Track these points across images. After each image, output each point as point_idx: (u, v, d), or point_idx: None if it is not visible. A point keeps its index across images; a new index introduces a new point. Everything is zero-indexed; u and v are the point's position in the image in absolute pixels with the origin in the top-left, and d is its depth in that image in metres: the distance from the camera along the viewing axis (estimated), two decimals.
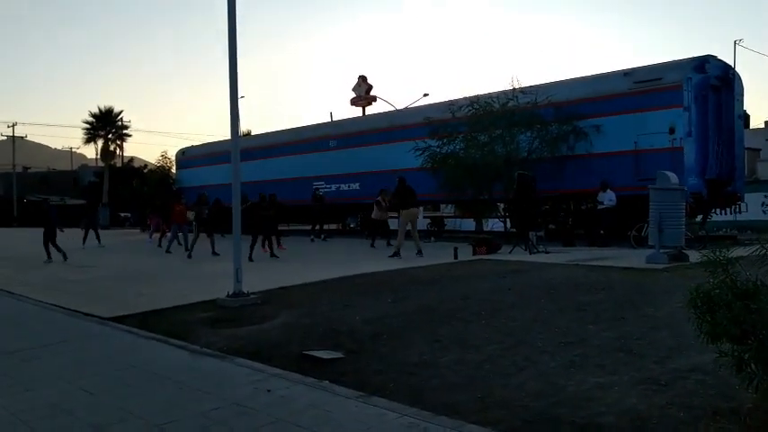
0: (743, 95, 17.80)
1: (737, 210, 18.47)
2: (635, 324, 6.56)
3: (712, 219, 18.71)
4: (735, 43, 23.98)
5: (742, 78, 17.90)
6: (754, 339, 3.38)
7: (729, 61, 18.51)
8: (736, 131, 17.32)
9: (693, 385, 4.54)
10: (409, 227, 15.77)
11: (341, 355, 6.07)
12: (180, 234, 19.27)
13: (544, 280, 9.58)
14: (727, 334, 3.48)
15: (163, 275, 13.33)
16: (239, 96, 9.85)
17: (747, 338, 3.42)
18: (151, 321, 8.10)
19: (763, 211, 25.61)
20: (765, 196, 25.89)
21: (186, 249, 17.47)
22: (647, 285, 8.73)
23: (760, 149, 32.87)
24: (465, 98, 20.10)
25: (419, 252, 14.72)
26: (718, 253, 3.72)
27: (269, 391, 4.97)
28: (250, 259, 14.61)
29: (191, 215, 19.46)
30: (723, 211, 18.20)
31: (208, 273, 13.06)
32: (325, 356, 6.01)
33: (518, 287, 9.09)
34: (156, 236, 23.44)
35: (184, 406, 4.73)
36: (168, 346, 6.84)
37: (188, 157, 35.50)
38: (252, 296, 9.10)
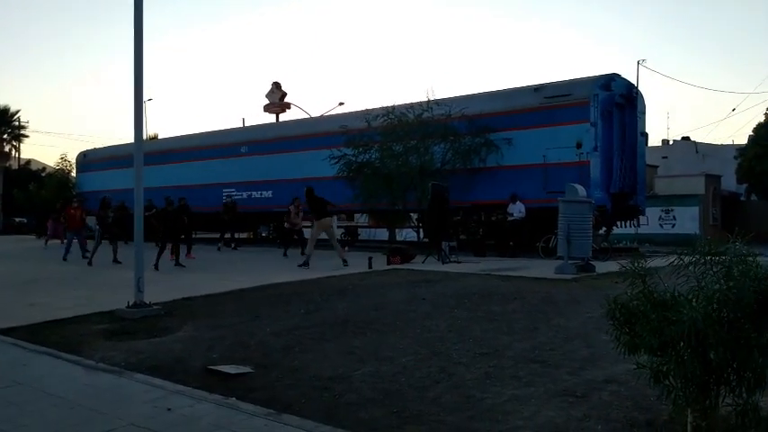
0: (645, 113, 18.60)
1: (638, 223, 19.24)
2: (548, 334, 6.59)
3: (613, 231, 19.43)
4: (638, 63, 25.02)
5: (644, 97, 18.72)
6: (672, 352, 3.35)
7: (633, 80, 19.36)
8: (638, 147, 18.06)
9: (609, 397, 4.54)
10: (325, 236, 15.42)
11: (249, 370, 5.75)
12: (75, 240, 18.14)
13: (457, 289, 9.58)
14: (646, 345, 3.44)
15: (58, 284, 12.47)
16: (145, 99, 9.36)
17: (666, 350, 3.39)
18: (42, 333, 7.48)
19: (661, 225, 26.98)
20: (662, 210, 27.29)
21: (84, 256, 16.52)
22: (557, 295, 8.86)
23: (657, 166, 34.61)
24: (381, 108, 20.08)
25: (344, 262, 14.33)
26: (636, 264, 3.70)
27: (169, 409, 4.62)
28: (156, 268, 13.89)
29: (91, 220, 18.43)
30: (624, 224, 18.92)
31: (108, 282, 12.35)
32: (231, 371, 5.68)
33: (432, 297, 9.02)
34: (54, 242, 22.16)
35: (76, 427, 4.34)
36: (60, 360, 6.32)
37: (90, 160, 33.79)
38: (154, 307, 8.60)
